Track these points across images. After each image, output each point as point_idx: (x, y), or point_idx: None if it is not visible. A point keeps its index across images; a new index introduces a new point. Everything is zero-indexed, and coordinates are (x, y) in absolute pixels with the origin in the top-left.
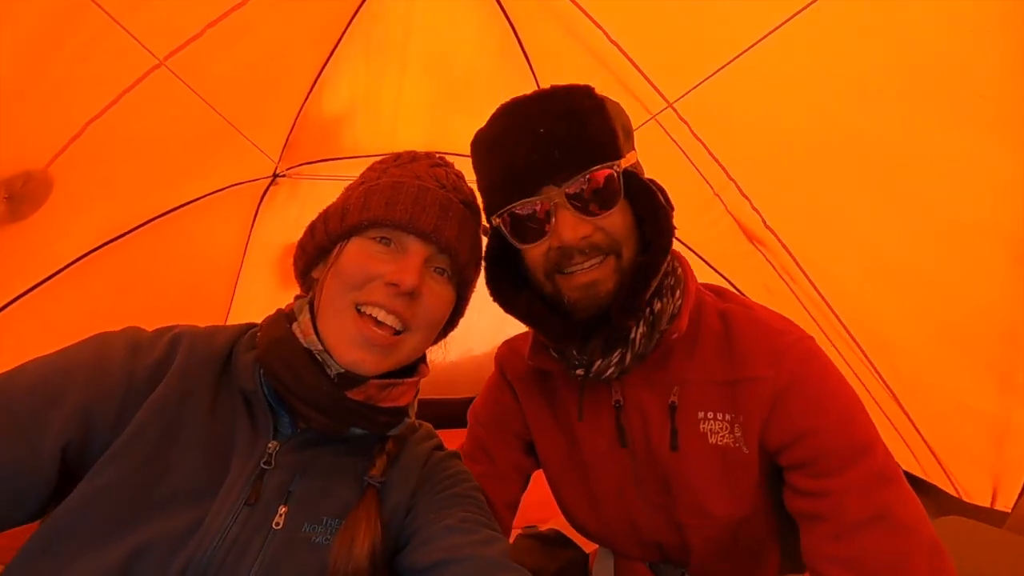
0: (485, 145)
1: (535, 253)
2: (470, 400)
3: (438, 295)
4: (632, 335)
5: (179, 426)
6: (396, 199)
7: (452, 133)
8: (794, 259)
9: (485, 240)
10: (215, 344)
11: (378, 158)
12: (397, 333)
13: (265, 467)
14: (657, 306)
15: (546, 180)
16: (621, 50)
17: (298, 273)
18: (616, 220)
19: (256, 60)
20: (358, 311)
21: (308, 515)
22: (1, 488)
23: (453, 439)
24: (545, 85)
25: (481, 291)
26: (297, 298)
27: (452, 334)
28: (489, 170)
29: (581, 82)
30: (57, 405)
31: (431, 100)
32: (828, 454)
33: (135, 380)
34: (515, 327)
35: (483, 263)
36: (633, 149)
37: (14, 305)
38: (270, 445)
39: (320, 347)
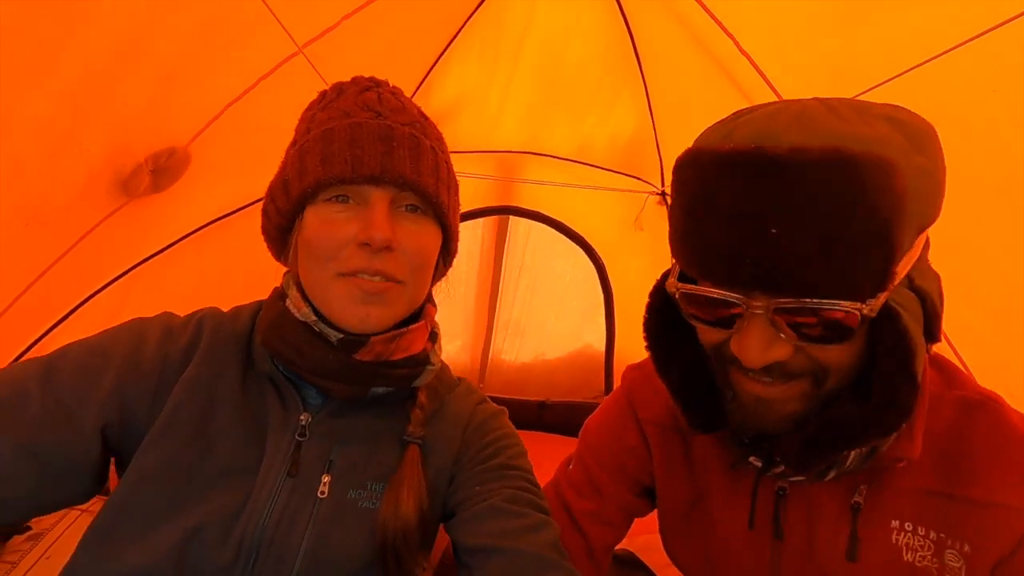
0: (692, 192)
1: (708, 337)
2: (541, 403)
3: (417, 236)
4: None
5: (214, 405)
6: (330, 152)
7: (551, 137)
8: None
9: None
10: (237, 324)
11: (477, 154)
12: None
13: (300, 439)
14: None
15: (757, 287)
16: (751, 61)
17: (275, 256)
18: (833, 351)
19: (379, 52)
20: (342, 278)
21: (352, 482)
22: (50, 469)
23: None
24: (656, 97)
25: (559, 295)
26: (285, 274)
27: (528, 335)
28: (685, 223)
29: (703, 92)
30: (97, 386)
31: (536, 101)
32: None
33: (168, 362)
34: (592, 334)
35: (648, 299)
36: (918, 238)
37: (140, 267)
38: (302, 417)
39: (314, 318)
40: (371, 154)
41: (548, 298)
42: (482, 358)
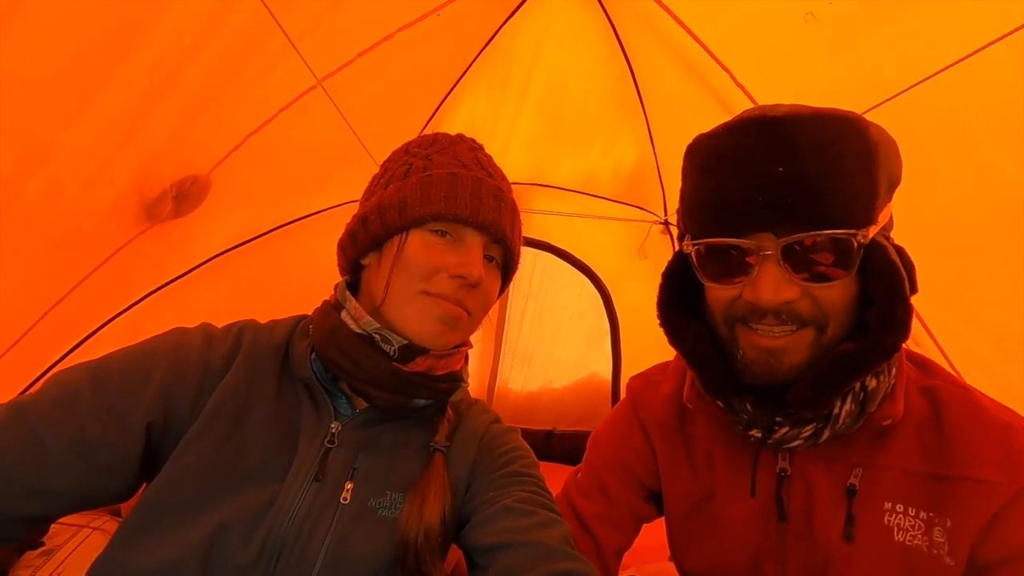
0: (705, 159)
1: (721, 295)
2: (548, 433)
3: (493, 281)
4: (836, 411)
5: (249, 410)
6: (455, 192)
7: (556, 168)
8: (920, 320)
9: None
10: (274, 335)
11: None
12: None
13: (329, 446)
14: (871, 384)
15: (764, 226)
16: (746, 92)
17: (347, 260)
18: (834, 293)
19: (392, 87)
20: (427, 295)
21: (373, 490)
22: (97, 463)
23: None
24: (657, 129)
25: (565, 324)
26: (337, 286)
27: (535, 363)
28: (699, 188)
29: (702, 124)
30: (144, 387)
31: (542, 134)
32: None
33: (210, 368)
34: (598, 362)
35: (660, 280)
36: (889, 202)
37: (161, 291)
38: (332, 426)
39: (376, 326)
40: (487, 207)
41: (554, 327)
42: (489, 387)
